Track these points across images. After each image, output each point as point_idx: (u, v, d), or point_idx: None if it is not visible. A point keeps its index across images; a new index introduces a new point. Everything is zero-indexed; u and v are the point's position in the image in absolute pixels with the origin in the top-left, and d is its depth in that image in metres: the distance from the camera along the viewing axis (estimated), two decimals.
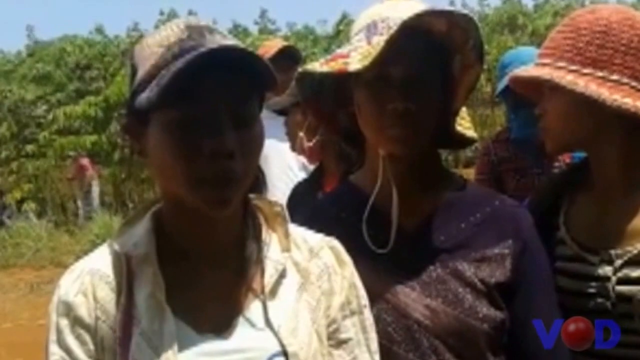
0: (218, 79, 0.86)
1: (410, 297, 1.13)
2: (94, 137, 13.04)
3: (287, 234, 0.99)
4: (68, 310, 0.90)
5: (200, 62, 0.83)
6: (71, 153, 11.89)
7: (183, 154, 0.86)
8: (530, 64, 2.28)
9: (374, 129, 1.14)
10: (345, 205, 1.22)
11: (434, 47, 1.12)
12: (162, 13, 16.84)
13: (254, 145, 0.90)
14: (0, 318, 6.72)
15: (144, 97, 0.87)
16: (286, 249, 0.98)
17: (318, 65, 1.14)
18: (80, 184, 11.85)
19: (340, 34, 16.48)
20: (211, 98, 0.86)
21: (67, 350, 0.89)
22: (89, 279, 0.91)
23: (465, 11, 1.10)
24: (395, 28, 1.05)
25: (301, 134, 2.04)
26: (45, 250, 9.87)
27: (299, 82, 1.21)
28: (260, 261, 0.96)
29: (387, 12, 1.14)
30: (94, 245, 9.94)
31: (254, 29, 18.15)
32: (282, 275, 0.96)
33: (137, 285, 0.90)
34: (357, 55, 1.10)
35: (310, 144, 2.03)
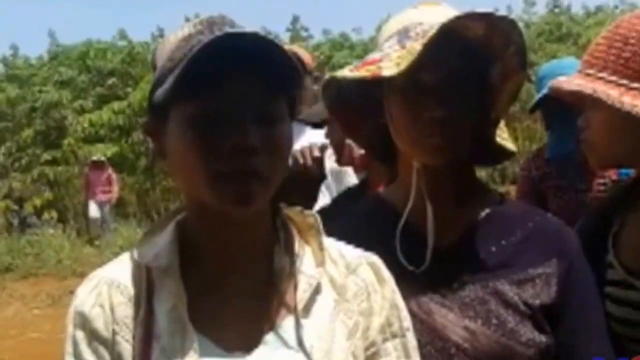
0: (240, 71, 0.84)
1: (448, 318, 1.10)
2: (117, 145, 13.25)
3: (321, 247, 0.96)
4: (84, 322, 0.89)
5: (216, 50, 0.81)
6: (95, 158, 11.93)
7: (202, 149, 0.84)
8: (569, 72, 2.26)
9: (407, 139, 1.12)
10: (377, 221, 1.20)
11: (471, 53, 1.10)
12: (187, 19, 17.06)
13: (280, 145, 0.87)
14: (21, 329, 6.83)
15: (160, 90, 0.86)
16: (321, 263, 0.95)
17: (348, 72, 1.12)
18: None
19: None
20: (233, 91, 0.84)
21: None
22: (106, 290, 0.90)
23: (505, 14, 1.07)
24: (431, 32, 1.04)
25: (348, 141, 2.00)
26: (68, 260, 10.03)
27: (325, 90, 1.19)
28: (292, 275, 0.93)
29: (421, 17, 1.13)
30: (117, 256, 10.14)
31: (285, 36, 18.30)
32: (316, 291, 0.93)
33: (158, 299, 0.89)
34: (390, 60, 1.08)
35: (361, 152, 1.99)
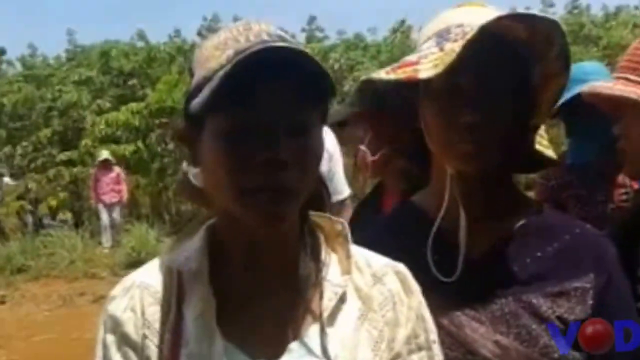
0: (274, 84, 0.84)
1: (479, 332, 1.08)
2: (133, 146, 13.32)
3: (348, 255, 0.95)
4: (115, 326, 0.90)
5: (252, 64, 0.81)
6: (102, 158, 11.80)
7: (233, 163, 0.84)
8: (593, 82, 2.23)
9: (442, 144, 1.10)
10: (407, 228, 1.18)
11: (511, 55, 1.07)
12: (205, 19, 17.22)
13: (311, 156, 0.87)
14: (32, 330, 6.85)
15: (196, 101, 0.86)
16: (346, 272, 0.94)
17: (384, 74, 1.10)
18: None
19: (394, 42, 16.47)
20: (266, 104, 0.84)
21: None
22: (138, 294, 0.91)
23: (549, 16, 1.05)
24: (471, 33, 1.01)
25: (363, 147, 1.99)
26: (80, 261, 10.08)
27: (360, 93, 1.17)
28: (318, 283, 0.93)
29: (461, 18, 1.10)
30: (129, 259, 10.15)
31: (300, 37, 18.34)
32: (341, 299, 0.92)
33: (187, 304, 0.89)
34: (428, 62, 1.06)
35: (374, 158, 1.96)
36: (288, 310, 0.91)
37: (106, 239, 11.44)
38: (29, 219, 13.16)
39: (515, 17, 1.03)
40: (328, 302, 0.91)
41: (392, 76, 1.08)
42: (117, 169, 11.77)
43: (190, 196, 4.01)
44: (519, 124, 1.11)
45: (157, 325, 0.89)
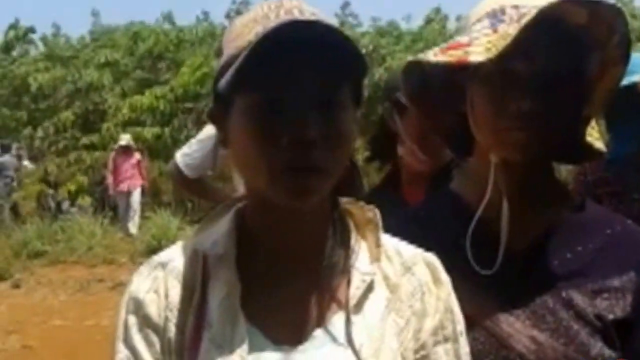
0: (303, 61, 0.84)
1: (514, 326, 1.08)
2: (156, 130, 13.27)
3: (378, 243, 0.96)
4: (138, 307, 0.91)
5: (280, 40, 0.82)
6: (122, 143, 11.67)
7: (261, 140, 0.85)
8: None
9: (489, 130, 1.09)
10: (445, 216, 1.18)
11: (569, 41, 1.05)
12: (234, 1, 17.12)
13: (341, 136, 0.87)
14: (47, 316, 6.86)
15: (223, 80, 0.87)
16: (376, 260, 0.95)
17: (432, 55, 1.09)
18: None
19: (428, 30, 16.30)
20: (295, 80, 0.85)
21: (132, 350, 0.90)
22: (162, 276, 0.92)
23: (611, 1, 1.03)
24: (528, 16, 1.00)
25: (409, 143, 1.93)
26: (99, 247, 10.08)
27: (405, 74, 1.17)
28: (347, 270, 0.93)
29: None
30: (149, 246, 10.15)
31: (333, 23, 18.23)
32: (369, 288, 0.93)
33: (212, 287, 0.90)
34: (480, 45, 1.04)
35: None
36: (314, 297, 0.92)
37: (125, 227, 11.34)
38: (50, 203, 13.18)
39: (576, 1, 1.02)
40: (355, 290, 0.91)
41: (440, 58, 1.07)
42: (137, 155, 11.62)
43: (182, 185, 3.77)
44: (573, 114, 1.10)
45: (180, 307, 0.90)
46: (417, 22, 18.11)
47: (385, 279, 0.95)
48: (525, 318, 1.08)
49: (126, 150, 11.52)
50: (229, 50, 0.90)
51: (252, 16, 0.90)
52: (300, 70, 0.85)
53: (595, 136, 1.17)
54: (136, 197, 11.57)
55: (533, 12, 1.00)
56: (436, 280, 0.97)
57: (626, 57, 1.07)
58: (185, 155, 3.02)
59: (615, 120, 2.33)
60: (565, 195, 1.19)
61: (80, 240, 10.17)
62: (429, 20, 16.96)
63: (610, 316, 1.08)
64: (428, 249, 0.99)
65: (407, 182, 1.94)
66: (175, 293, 0.91)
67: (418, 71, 1.15)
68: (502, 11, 1.07)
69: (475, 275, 1.09)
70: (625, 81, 1.26)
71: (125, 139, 11.66)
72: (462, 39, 1.08)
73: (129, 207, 11.43)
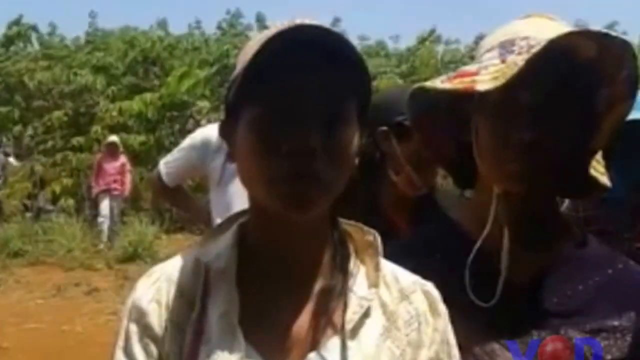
0: (306, 70, 0.84)
1: None
2: (142, 137, 13.31)
3: (377, 268, 0.94)
4: (140, 316, 0.91)
5: (282, 49, 0.82)
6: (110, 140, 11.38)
7: (263, 149, 0.85)
8: (636, 114, 2.18)
9: (492, 161, 1.07)
10: (444, 246, 1.15)
11: (577, 74, 1.04)
12: (227, 12, 17.26)
13: (343, 150, 0.86)
14: (23, 318, 6.81)
15: (230, 93, 0.89)
16: (374, 285, 0.93)
17: (439, 82, 1.08)
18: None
19: (417, 51, 16.42)
20: (297, 91, 0.84)
21: (131, 359, 0.89)
22: (165, 286, 0.92)
23: (621, 35, 1.02)
24: (536, 48, 0.99)
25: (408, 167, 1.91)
26: (77, 251, 10.07)
27: (412, 100, 1.15)
28: (344, 294, 0.91)
29: (528, 31, 1.07)
30: (125, 253, 10.08)
31: None
32: (366, 313, 0.91)
33: (212, 302, 0.90)
34: (487, 74, 1.03)
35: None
36: (310, 319, 0.90)
37: (103, 232, 10.96)
38: (38, 202, 13.12)
39: (586, 34, 1.00)
40: (352, 314, 0.90)
41: (447, 86, 1.06)
42: (123, 158, 11.31)
43: (159, 192, 3.91)
44: (577, 147, 1.08)
45: (180, 319, 0.89)
46: (404, 43, 18.15)
47: (382, 305, 0.93)
48: (523, 355, 1.06)
49: (113, 151, 11.11)
50: (239, 65, 0.89)
51: (266, 32, 0.89)
52: (304, 80, 0.84)
53: (600, 170, 1.15)
54: (118, 204, 11.26)
55: (543, 44, 0.98)
56: (434, 310, 0.96)
57: (633, 94, 1.05)
58: (167, 163, 3.09)
59: (614, 160, 2.39)
60: (568, 230, 1.17)
61: (60, 242, 10.16)
62: (422, 40, 17.09)
63: (608, 356, 1.06)
64: (425, 278, 0.98)
65: (392, 206, 1.91)
66: (177, 305, 0.90)
67: (424, 98, 1.14)
68: (512, 43, 1.06)
69: (473, 307, 1.07)
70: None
71: (114, 138, 11.38)
72: (471, 68, 1.08)
73: (110, 211, 11.11)
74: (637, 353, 1.07)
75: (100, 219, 11.10)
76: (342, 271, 0.93)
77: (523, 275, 1.10)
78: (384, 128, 1.82)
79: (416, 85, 1.14)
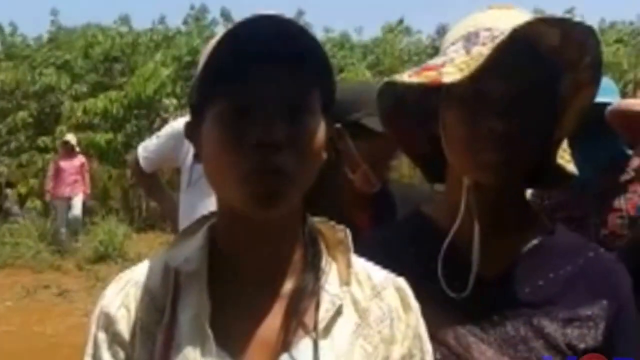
0: (267, 63, 0.84)
1: (486, 354, 1.06)
2: (109, 135, 13.19)
3: (348, 265, 0.94)
4: (108, 323, 0.90)
5: (240, 43, 0.82)
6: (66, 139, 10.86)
7: (228, 146, 0.84)
8: (601, 98, 2.18)
9: (462, 152, 1.07)
10: (417, 238, 1.15)
11: (541, 62, 1.04)
12: (192, 8, 17.10)
13: (309, 142, 0.86)
14: None
15: (192, 92, 0.89)
16: (345, 283, 0.93)
17: (406, 76, 1.08)
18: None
19: (382, 43, 16.47)
20: (258, 84, 0.84)
21: None
22: (133, 292, 0.91)
23: (584, 22, 1.02)
24: (500, 38, 0.99)
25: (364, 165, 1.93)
26: (46, 252, 9.98)
27: (380, 96, 1.15)
28: (316, 293, 0.90)
29: (491, 22, 1.07)
30: (96, 253, 9.93)
31: None
32: (338, 312, 0.90)
33: (182, 305, 0.89)
34: (453, 66, 1.03)
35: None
36: (282, 319, 0.89)
37: (60, 238, 10.35)
38: (4, 204, 12.89)
39: (548, 22, 1.01)
40: (325, 313, 0.89)
41: (414, 79, 1.06)
42: (81, 158, 10.69)
43: (136, 176, 3.91)
44: (545, 135, 1.09)
45: (150, 326, 0.88)
46: (368, 35, 18.17)
47: (354, 303, 0.93)
48: (497, 346, 1.06)
49: (69, 151, 10.48)
50: (200, 63, 0.88)
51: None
52: (265, 74, 0.84)
53: (566, 159, 1.16)
54: (78, 205, 10.50)
55: (506, 33, 0.98)
56: (405, 306, 0.95)
57: (597, 79, 1.06)
58: (146, 147, 3.13)
59: (577, 146, 2.37)
60: (537, 220, 1.17)
61: (28, 244, 10.05)
62: (389, 31, 17.11)
63: (582, 345, 1.06)
64: (397, 272, 0.97)
65: (350, 203, 1.91)
66: (146, 310, 0.89)
67: (392, 93, 1.14)
68: (476, 34, 1.06)
69: (446, 299, 1.07)
70: (615, 106, 1.27)
71: (70, 137, 10.84)
72: (437, 61, 1.08)
73: (70, 216, 10.44)
74: (610, 341, 1.07)
75: (59, 224, 10.54)
76: (314, 269, 0.92)
77: (495, 266, 1.11)
78: (338, 126, 1.81)
79: (384, 80, 1.15)
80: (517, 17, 1.05)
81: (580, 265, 1.12)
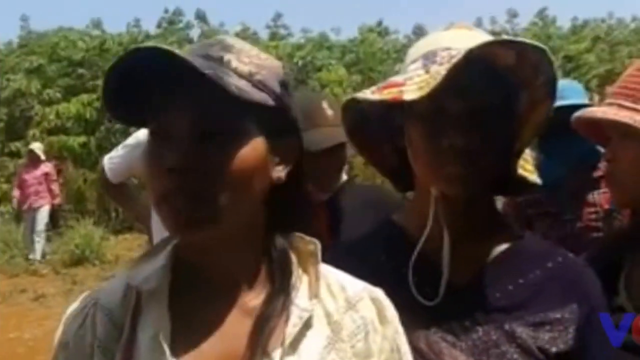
0: (184, 91, 0.85)
1: None
2: (82, 139, 13.09)
3: (317, 277, 0.93)
4: (66, 344, 0.91)
5: (156, 68, 0.83)
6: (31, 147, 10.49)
7: (148, 169, 0.87)
8: (569, 100, 2.23)
9: (427, 166, 1.11)
10: (388, 247, 1.18)
11: (498, 80, 1.09)
12: (166, 11, 17.01)
13: (228, 166, 0.85)
14: None
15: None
16: (315, 295, 0.92)
17: (370, 93, 1.11)
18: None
19: (361, 44, 16.53)
20: (175, 114, 0.86)
21: None
22: (92, 312, 0.91)
23: (538, 43, 1.06)
24: (458, 56, 1.03)
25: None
26: (21, 257, 9.91)
27: (345, 112, 1.19)
28: (285, 308, 0.90)
29: (449, 42, 1.12)
30: (72, 256, 9.83)
31: (264, 34, 18.19)
32: (307, 325, 0.89)
33: (143, 324, 0.88)
34: (414, 84, 1.07)
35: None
36: (248, 336, 0.88)
37: (31, 250, 10.02)
38: None
39: (502, 44, 1.04)
40: (292, 327, 0.88)
41: (377, 96, 1.09)
42: (45, 167, 10.20)
43: (103, 189, 3.80)
44: (504, 149, 1.13)
45: (110, 345, 0.88)
46: (346, 35, 18.27)
47: (327, 315, 0.92)
48: (469, 351, 1.08)
49: (34, 160, 10.10)
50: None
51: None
52: (181, 96, 0.85)
53: (528, 169, 1.20)
54: (41, 218, 10.07)
55: (462, 54, 1.02)
56: (382, 318, 0.95)
57: (552, 96, 1.10)
58: (111, 158, 3.04)
59: (548, 145, 2.36)
60: (506, 227, 1.20)
61: (1, 249, 9.99)
62: (368, 31, 17.17)
63: (553, 349, 1.08)
64: (371, 281, 0.98)
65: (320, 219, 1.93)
66: (105, 330, 0.89)
67: (356, 109, 1.17)
68: (435, 53, 1.10)
69: (418, 307, 1.09)
70: (579, 113, 1.32)
71: (36, 146, 10.46)
72: (398, 78, 1.11)
73: (33, 229, 10.05)
74: (581, 345, 1.09)
75: (26, 235, 10.25)
76: (283, 284, 0.91)
77: (465, 273, 1.13)
78: None
79: (348, 97, 1.17)
80: (475, 37, 1.09)
81: (549, 269, 1.14)
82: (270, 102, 0.89)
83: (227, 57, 0.88)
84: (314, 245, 0.95)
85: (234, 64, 0.87)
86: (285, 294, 0.90)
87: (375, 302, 0.95)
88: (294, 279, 0.92)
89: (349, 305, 0.94)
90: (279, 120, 0.91)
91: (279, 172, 0.91)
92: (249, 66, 0.88)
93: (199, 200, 0.84)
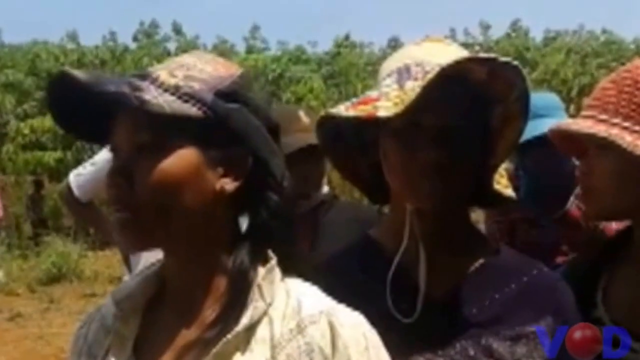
0: (123, 108, 0.91)
1: None
2: (58, 154, 12.98)
3: (266, 297, 0.93)
4: (73, 343, 1.02)
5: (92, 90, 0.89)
6: None
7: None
8: (543, 113, 2.29)
9: (401, 181, 1.12)
10: (364, 263, 1.18)
11: (472, 96, 1.09)
12: (142, 23, 16.95)
13: (150, 174, 0.89)
14: None
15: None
16: (261, 316, 0.92)
17: (344, 109, 1.12)
18: None
19: (337, 57, 16.62)
20: (117, 126, 0.93)
21: None
22: (90, 320, 1.03)
23: (510, 60, 1.07)
24: (432, 74, 1.03)
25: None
26: None
27: (319, 127, 1.19)
28: (229, 327, 0.89)
29: (422, 56, 1.12)
30: (48, 273, 9.64)
31: (241, 47, 18.19)
32: (246, 348, 0.90)
33: (114, 339, 0.96)
34: (388, 100, 1.08)
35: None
36: (193, 353, 0.90)
37: None
38: None
39: (476, 60, 1.05)
40: (222, 345, 0.88)
41: (351, 113, 1.10)
42: None
43: (70, 207, 3.66)
44: (478, 164, 1.13)
45: (96, 348, 0.98)
46: (322, 48, 18.38)
47: (272, 339, 0.90)
48: None
49: None
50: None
51: None
52: (119, 118, 0.92)
53: (503, 184, 1.21)
54: None
55: (436, 70, 1.03)
56: (335, 345, 0.90)
57: (525, 111, 1.11)
58: (79, 175, 2.90)
59: (524, 155, 2.40)
60: (482, 241, 1.21)
61: None
62: (337, 46, 17.32)
63: None
64: (349, 297, 0.97)
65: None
66: (96, 337, 0.99)
67: (331, 124, 1.17)
68: (408, 69, 1.11)
69: (395, 323, 1.09)
70: (554, 126, 1.33)
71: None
72: (372, 94, 1.12)
73: None
74: (559, 357, 1.10)
75: None
76: (234, 302, 0.91)
77: (441, 288, 1.14)
78: None
79: (322, 112, 1.18)
80: (449, 52, 1.11)
81: (524, 283, 1.15)
82: (195, 112, 0.90)
83: (157, 73, 0.93)
84: (271, 264, 0.95)
85: (162, 78, 0.92)
86: (235, 313, 0.90)
87: (331, 328, 0.91)
88: (249, 297, 0.91)
89: (298, 329, 0.91)
90: (212, 130, 0.92)
91: (226, 183, 0.92)
92: (177, 79, 0.92)
93: (130, 211, 0.89)
